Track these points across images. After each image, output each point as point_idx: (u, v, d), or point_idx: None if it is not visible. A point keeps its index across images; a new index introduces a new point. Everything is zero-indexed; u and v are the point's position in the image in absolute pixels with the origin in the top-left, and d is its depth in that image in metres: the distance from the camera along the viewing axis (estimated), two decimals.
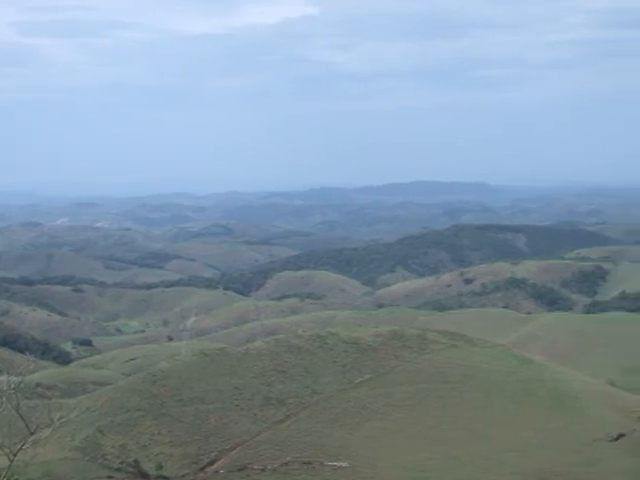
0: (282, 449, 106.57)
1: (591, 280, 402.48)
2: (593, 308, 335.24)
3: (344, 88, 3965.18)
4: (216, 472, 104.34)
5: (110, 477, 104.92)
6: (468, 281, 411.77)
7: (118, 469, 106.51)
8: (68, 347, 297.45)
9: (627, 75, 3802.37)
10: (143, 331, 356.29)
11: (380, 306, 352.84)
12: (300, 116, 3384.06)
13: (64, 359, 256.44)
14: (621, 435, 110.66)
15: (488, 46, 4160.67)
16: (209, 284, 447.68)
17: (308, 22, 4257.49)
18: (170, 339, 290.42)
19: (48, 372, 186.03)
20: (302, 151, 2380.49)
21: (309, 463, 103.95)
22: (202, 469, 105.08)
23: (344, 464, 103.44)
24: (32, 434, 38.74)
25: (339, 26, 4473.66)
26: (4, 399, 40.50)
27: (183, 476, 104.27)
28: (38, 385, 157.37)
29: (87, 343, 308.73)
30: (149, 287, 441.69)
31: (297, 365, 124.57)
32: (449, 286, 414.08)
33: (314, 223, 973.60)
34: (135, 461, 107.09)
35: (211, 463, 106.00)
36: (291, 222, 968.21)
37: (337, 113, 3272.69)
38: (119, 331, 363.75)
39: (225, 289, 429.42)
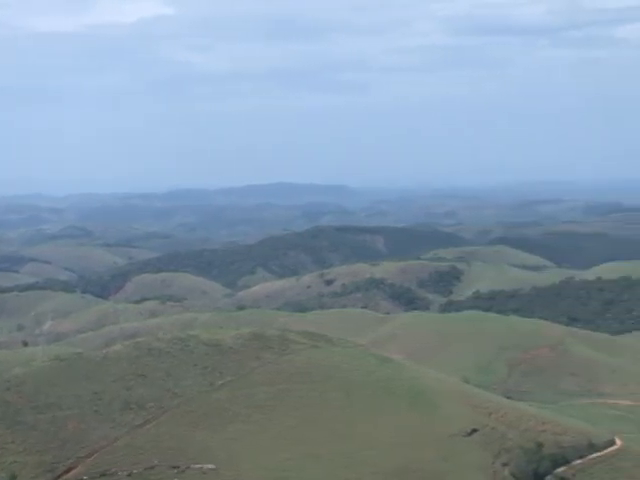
0: (142, 453, 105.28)
1: (446, 280, 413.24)
2: (449, 307, 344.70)
3: (203, 89, 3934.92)
4: (80, 479, 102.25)
5: None
6: (328, 282, 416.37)
7: None
8: None
9: (475, 81, 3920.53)
10: None
11: (241, 308, 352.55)
12: (160, 117, 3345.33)
13: None
14: (474, 430, 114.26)
15: (345, 50, 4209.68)
16: (66, 287, 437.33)
17: (164, 22, 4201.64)
18: (25, 344, 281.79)
19: None
20: (161, 152, 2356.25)
21: (176, 467, 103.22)
22: (58, 477, 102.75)
23: (210, 466, 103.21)
24: None
25: (196, 27, 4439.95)
26: None
27: None
28: None
29: None
30: (2, 291, 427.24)
31: (157, 368, 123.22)
32: (309, 287, 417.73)
33: (174, 225, 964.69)
34: None
35: (67, 470, 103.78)
36: (151, 224, 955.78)
37: (197, 114, 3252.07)
38: None
39: (83, 292, 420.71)
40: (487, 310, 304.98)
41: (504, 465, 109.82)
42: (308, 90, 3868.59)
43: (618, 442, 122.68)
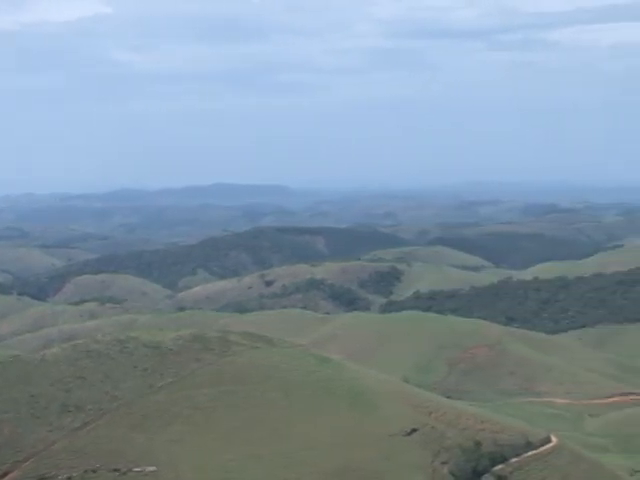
0: (81, 457, 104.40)
1: (387, 280, 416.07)
2: (389, 308, 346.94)
3: (143, 89, 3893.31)
4: None
5: None
6: (269, 283, 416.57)
7: None
8: None
9: (414, 83, 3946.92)
10: None
11: (181, 309, 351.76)
12: (98, 117, 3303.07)
13: None
14: (414, 430, 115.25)
15: (286, 51, 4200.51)
16: (2, 289, 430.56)
17: (102, 21, 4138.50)
18: None
19: None
20: (101, 152, 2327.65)
21: (117, 470, 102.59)
22: None
23: (152, 468, 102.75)
24: None
25: (135, 26, 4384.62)
26: None
27: None
28: None
29: None
30: None
31: (96, 371, 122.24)
32: (250, 288, 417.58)
33: (114, 226, 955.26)
34: None
35: (4, 475, 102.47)
36: (90, 225, 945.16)
37: (137, 114, 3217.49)
38: None
39: (20, 294, 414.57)
40: (427, 310, 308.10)
41: (443, 464, 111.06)
42: (250, 91, 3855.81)
43: (554, 440, 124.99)
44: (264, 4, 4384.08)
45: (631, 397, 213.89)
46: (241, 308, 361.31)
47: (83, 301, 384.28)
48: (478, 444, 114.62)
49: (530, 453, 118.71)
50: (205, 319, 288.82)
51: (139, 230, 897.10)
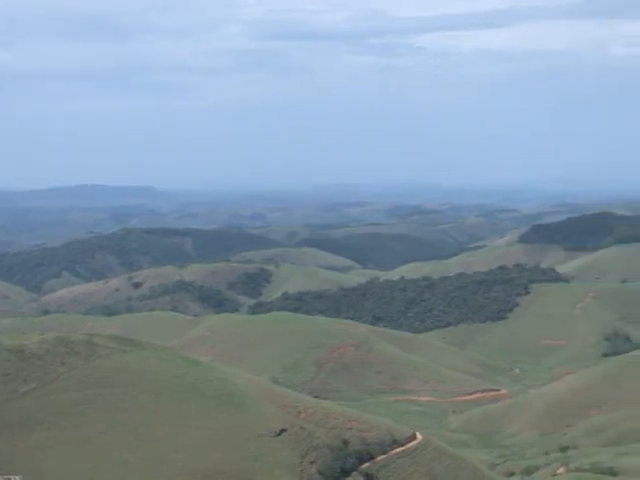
0: None
1: (256, 282, 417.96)
2: (258, 309, 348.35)
3: (5, 88, 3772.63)
4: None
5: None
6: (137, 285, 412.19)
7: None
8: None
9: (283, 84, 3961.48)
10: None
11: (46, 312, 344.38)
12: None
13: None
14: (283, 430, 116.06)
15: (153, 52, 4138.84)
16: None
17: None
18: None
19: None
20: None
21: None
22: None
23: (16, 477, 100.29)
24: None
25: None
26: None
27: None
28: None
29: None
30: None
31: None
32: (117, 290, 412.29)
33: None
34: None
35: None
36: None
37: (1, 114, 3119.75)
38: None
39: None
40: (295, 311, 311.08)
41: (312, 463, 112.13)
42: (117, 91, 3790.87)
43: (419, 437, 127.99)
44: (128, 2, 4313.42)
45: (491, 394, 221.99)
46: (108, 311, 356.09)
47: None
48: (346, 443, 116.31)
49: (396, 450, 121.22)
50: (71, 322, 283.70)
51: (1, 232, 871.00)
